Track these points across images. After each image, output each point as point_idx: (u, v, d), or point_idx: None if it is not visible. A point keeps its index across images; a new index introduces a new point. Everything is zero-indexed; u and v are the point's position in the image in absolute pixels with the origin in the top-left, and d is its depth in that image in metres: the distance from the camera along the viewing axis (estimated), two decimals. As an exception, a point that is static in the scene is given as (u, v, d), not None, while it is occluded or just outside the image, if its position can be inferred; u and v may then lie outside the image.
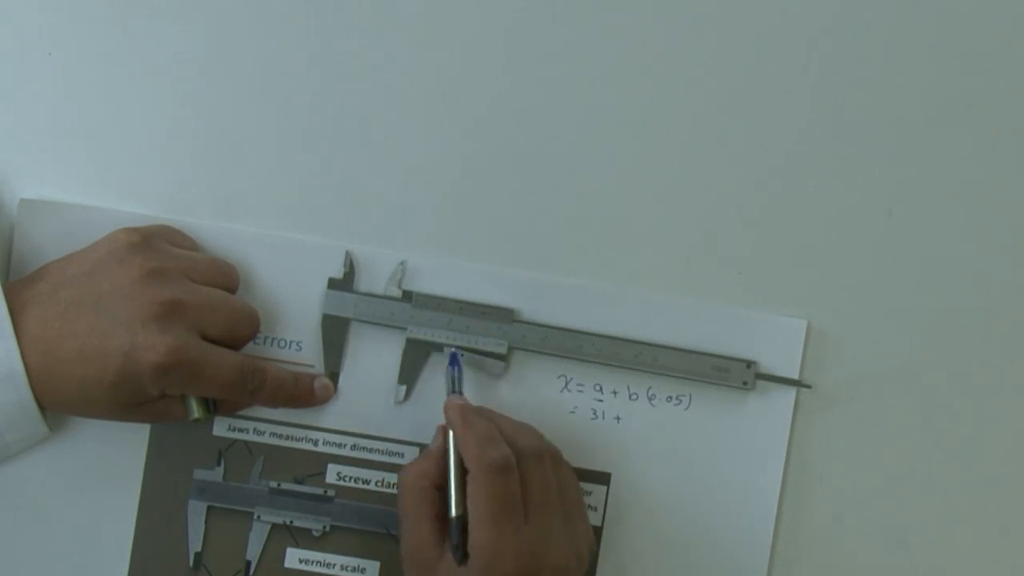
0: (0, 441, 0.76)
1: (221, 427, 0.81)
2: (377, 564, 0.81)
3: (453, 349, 0.80)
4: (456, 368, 0.79)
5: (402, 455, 0.81)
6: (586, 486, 0.81)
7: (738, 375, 0.81)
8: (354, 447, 0.81)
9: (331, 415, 0.81)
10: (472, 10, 0.82)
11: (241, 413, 0.81)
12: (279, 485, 0.81)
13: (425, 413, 0.80)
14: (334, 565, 0.81)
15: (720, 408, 0.82)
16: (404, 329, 0.80)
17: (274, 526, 0.81)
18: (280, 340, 0.81)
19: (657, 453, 0.82)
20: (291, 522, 0.81)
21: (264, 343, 0.81)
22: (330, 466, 0.81)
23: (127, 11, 0.81)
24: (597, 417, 0.82)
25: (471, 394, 0.80)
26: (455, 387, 0.79)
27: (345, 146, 0.81)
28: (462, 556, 0.74)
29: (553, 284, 0.81)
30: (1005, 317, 0.82)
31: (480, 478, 0.73)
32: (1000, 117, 0.82)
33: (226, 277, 0.79)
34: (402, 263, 0.81)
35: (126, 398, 0.75)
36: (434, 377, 0.81)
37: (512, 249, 0.82)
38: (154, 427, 0.80)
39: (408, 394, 0.81)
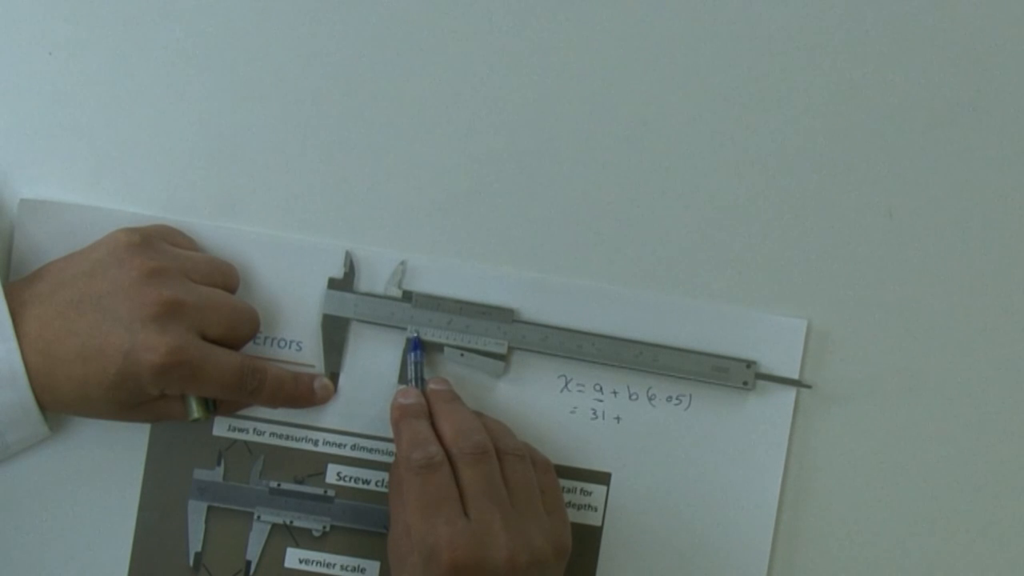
0: (1, 441, 0.76)
1: (221, 427, 0.81)
2: (377, 564, 0.81)
3: (415, 335, 0.80)
4: (417, 354, 0.79)
5: (402, 455, 0.81)
6: (586, 486, 0.81)
7: (738, 375, 0.81)
8: (354, 447, 0.81)
9: (331, 415, 0.81)
10: (472, 11, 0.82)
11: (241, 413, 0.81)
12: (279, 485, 0.81)
13: (425, 413, 0.80)
14: (334, 565, 0.81)
15: (720, 408, 0.82)
16: (404, 329, 0.80)
17: (274, 526, 0.81)
18: (280, 340, 0.81)
19: (657, 453, 0.82)
20: (291, 522, 0.81)
21: (264, 343, 0.81)
22: (330, 466, 0.81)
23: (127, 11, 0.81)
24: (597, 417, 0.82)
25: (471, 394, 0.80)
26: (415, 373, 0.79)
27: (345, 146, 0.81)
28: None
29: (553, 284, 0.81)
30: (1005, 317, 0.83)
31: (407, 478, 0.75)
32: (1000, 118, 0.82)
33: (226, 277, 0.79)
34: (402, 263, 0.81)
35: (126, 398, 0.75)
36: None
37: (512, 249, 0.82)
38: (154, 427, 0.80)
39: (408, 394, 0.81)
